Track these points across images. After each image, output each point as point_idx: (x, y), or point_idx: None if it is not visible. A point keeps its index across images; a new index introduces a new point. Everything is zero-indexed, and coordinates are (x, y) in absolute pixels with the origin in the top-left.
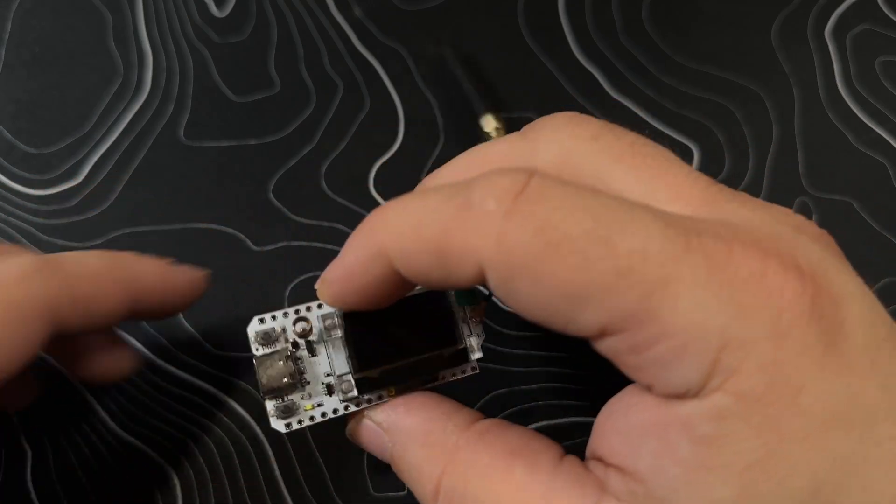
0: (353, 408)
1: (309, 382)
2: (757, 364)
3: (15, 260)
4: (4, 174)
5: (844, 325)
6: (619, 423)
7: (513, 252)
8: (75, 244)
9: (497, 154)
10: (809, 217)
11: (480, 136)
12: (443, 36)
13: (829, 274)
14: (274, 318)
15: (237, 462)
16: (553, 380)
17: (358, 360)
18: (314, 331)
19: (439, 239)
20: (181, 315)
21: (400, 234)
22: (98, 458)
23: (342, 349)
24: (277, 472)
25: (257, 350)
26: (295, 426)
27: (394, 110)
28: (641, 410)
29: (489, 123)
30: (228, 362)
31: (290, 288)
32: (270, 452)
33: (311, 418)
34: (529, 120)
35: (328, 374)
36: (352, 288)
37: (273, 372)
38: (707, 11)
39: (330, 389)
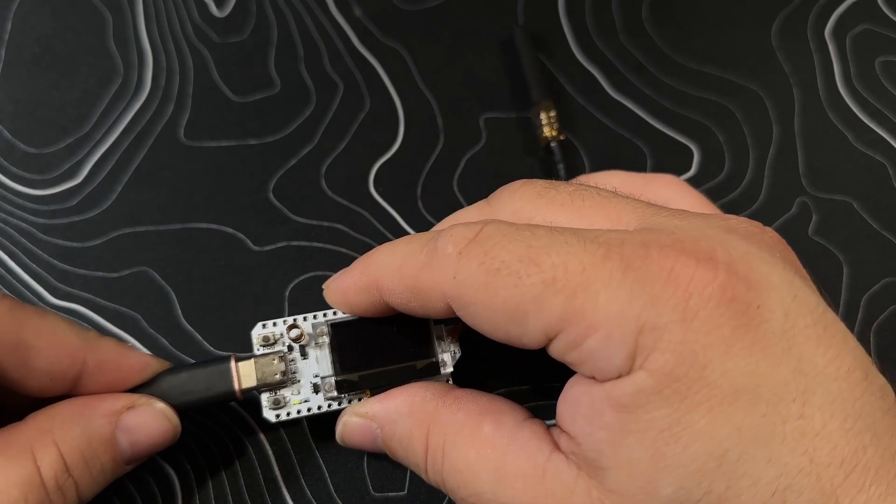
0: (335, 405)
1: (299, 381)
2: (668, 343)
3: None
4: (4, 174)
5: (761, 309)
6: (566, 395)
7: (465, 284)
8: (75, 244)
9: (470, 217)
10: (809, 217)
11: (533, 123)
12: (443, 36)
13: (750, 264)
14: (275, 324)
15: (237, 462)
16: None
17: (340, 364)
18: (306, 337)
19: (414, 278)
20: (181, 314)
21: (387, 274)
22: None
23: (328, 354)
24: (277, 472)
25: (258, 350)
26: (284, 417)
27: (394, 110)
28: (580, 385)
29: (543, 112)
30: None
31: (290, 288)
32: (270, 452)
33: (298, 412)
34: (530, 121)
35: (316, 375)
36: (346, 304)
37: (268, 370)
38: (707, 11)
39: (316, 388)
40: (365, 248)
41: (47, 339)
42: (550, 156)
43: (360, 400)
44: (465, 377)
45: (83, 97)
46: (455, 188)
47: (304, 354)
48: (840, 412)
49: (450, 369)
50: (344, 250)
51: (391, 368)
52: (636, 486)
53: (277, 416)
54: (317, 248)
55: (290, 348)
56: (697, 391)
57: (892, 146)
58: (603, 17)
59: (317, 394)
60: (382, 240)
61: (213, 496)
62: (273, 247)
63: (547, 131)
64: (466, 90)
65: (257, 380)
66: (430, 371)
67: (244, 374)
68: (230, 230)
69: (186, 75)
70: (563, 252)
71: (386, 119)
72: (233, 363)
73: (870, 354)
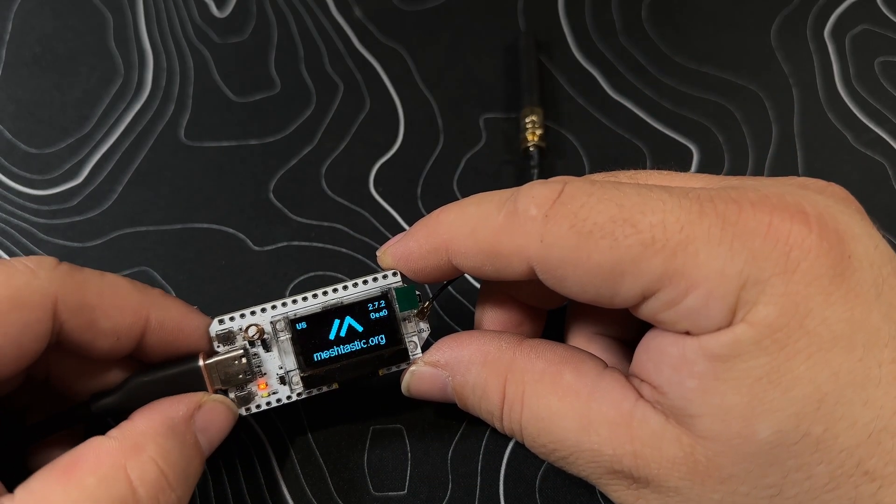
0: (304, 395)
1: (265, 374)
2: (770, 296)
3: (37, 257)
4: (5, 174)
5: (852, 259)
6: (649, 346)
7: (554, 247)
8: (75, 244)
9: None
10: None
11: (518, 126)
12: (443, 36)
13: (835, 216)
14: (232, 318)
15: (237, 462)
16: None
17: (305, 360)
18: (266, 333)
19: (492, 241)
20: None
21: (458, 236)
22: None
23: (291, 349)
24: (277, 472)
25: (218, 348)
26: (254, 410)
27: (394, 110)
28: (666, 336)
29: (528, 116)
30: None
31: (290, 288)
32: (270, 452)
33: (268, 403)
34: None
35: (281, 368)
36: (407, 266)
37: (231, 370)
38: (706, 11)
39: (283, 380)
40: (365, 248)
41: (109, 298)
42: (528, 160)
43: (331, 388)
44: None
45: (84, 97)
46: (455, 188)
47: (266, 348)
48: None
49: (419, 353)
50: (344, 250)
51: (358, 360)
52: (731, 431)
53: (248, 409)
54: (317, 248)
55: (252, 343)
56: (798, 339)
57: (892, 146)
58: (603, 17)
59: (284, 385)
60: (382, 240)
61: (213, 496)
62: (273, 247)
63: (530, 136)
64: (466, 91)
65: (221, 382)
66: (399, 358)
67: (214, 375)
68: (230, 230)
69: (187, 76)
70: (659, 210)
71: (386, 119)
72: (202, 362)
73: None
